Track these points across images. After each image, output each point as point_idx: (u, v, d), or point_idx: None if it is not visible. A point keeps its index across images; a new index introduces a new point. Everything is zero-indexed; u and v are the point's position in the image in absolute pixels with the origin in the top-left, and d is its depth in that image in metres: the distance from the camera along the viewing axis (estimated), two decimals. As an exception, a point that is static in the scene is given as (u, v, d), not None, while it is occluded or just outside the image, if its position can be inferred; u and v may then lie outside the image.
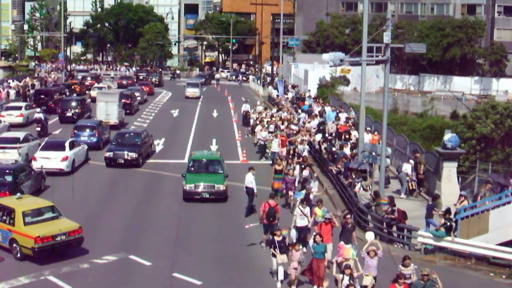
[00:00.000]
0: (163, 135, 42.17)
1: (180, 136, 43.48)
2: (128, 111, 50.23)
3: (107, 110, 44.34)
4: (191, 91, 68.47)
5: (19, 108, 46.19)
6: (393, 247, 22.04)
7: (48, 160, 30.83)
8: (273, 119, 40.77)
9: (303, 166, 28.02)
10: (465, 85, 73.50)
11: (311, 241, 18.95)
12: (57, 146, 32.16)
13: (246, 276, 19.26)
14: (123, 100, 47.84)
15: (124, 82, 70.33)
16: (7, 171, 25.85)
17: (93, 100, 50.57)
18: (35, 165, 30.06)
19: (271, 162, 32.97)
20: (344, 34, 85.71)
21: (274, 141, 33.78)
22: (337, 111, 41.73)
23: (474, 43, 79.90)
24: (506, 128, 34.63)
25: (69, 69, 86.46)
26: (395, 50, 54.35)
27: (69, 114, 46.47)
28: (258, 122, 40.46)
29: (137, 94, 58.12)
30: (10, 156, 31.41)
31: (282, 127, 37.56)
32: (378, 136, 31.27)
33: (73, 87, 62.20)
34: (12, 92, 56.99)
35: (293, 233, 20.83)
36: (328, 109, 42.73)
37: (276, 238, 18.50)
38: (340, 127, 36.10)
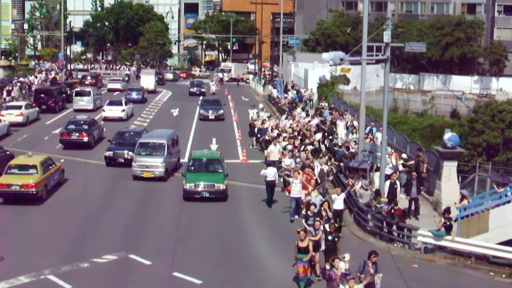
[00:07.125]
0: (163, 135, 42.07)
1: (180, 135, 43.10)
2: (160, 82, 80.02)
3: (147, 80, 70.21)
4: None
5: (19, 107, 46.52)
6: (393, 246, 22.05)
7: (112, 111, 48.68)
8: (287, 134, 34.69)
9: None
10: (465, 84, 73.36)
11: None
12: (118, 103, 50.56)
13: (246, 275, 19.24)
14: (157, 76, 78.03)
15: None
16: (83, 122, 38.93)
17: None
18: (104, 114, 48.64)
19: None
20: (345, 33, 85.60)
21: (295, 184, 24.73)
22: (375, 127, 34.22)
23: (473, 42, 79.79)
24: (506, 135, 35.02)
25: (69, 68, 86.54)
26: (395, 50, 54.32)
27: (140, 75, 79.29)
28: (272, 140, 32.83)
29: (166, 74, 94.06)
30: (117, 85, 70.02)
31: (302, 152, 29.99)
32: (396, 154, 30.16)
33: (74, 85, 64.43)
34: None
35: None
36: (356, 123, 34.92)
37: None
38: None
